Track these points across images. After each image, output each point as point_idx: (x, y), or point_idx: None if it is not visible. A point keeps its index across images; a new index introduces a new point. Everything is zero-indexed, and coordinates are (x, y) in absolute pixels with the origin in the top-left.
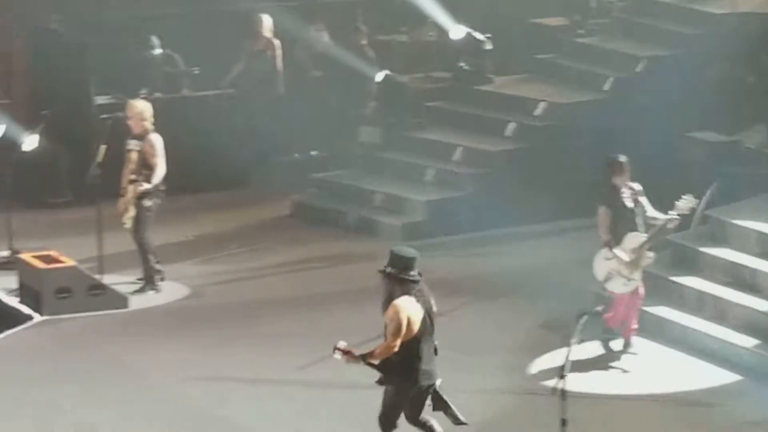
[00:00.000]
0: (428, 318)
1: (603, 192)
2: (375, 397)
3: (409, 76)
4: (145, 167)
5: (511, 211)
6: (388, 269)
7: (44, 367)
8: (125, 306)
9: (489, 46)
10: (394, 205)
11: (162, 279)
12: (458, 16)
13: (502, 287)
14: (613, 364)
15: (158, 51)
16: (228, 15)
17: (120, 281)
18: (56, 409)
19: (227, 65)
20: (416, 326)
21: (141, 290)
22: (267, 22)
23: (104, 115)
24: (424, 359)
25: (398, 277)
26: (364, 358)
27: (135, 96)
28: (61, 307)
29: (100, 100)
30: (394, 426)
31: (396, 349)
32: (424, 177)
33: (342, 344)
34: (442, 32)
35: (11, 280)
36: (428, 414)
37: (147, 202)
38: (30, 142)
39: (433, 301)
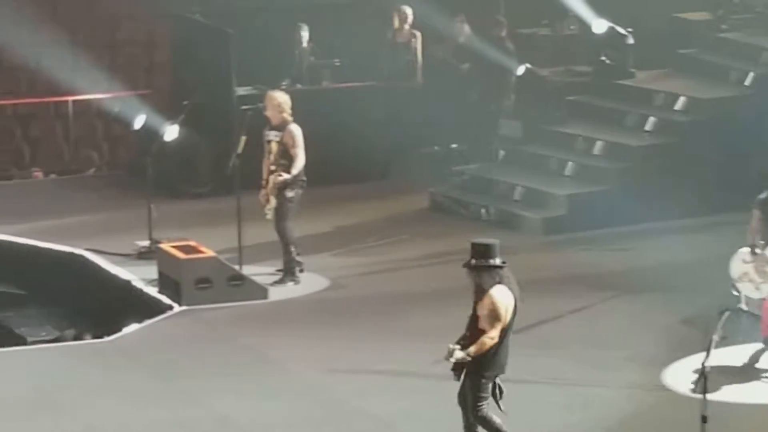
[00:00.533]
0: (515, 306)
1: (760, 197)
2: (512, 392)
3: (550, 70)
4: (285, 158)
5: (653, 205)
6: (473, 261)
7: (183, 357)
8: (265, 297)
9: (631, 40)
10: (535, 199)
11: (302, 270)
12: (600, 9)
13: (644, 282)
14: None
15: (306, 40)
16: (370, 5)
17: (259, 272)
18: (194, 399)
19: (368, 57)
20: (509, 315)
21: (281, 281)
22: (409, 13)
23: (245, 106)
24: (507, 349)
25: (485, 266)
26: (470, 354)
27: (276, 87)
28: (200, 297)
29: (241, 91)
30: (486, 411)
31: (496, 339)
32: (564, 171)
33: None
34: (584, 26)
35: (151, 270)
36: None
37: (289, 193)
38: (171, 132)
39: (517, 288)
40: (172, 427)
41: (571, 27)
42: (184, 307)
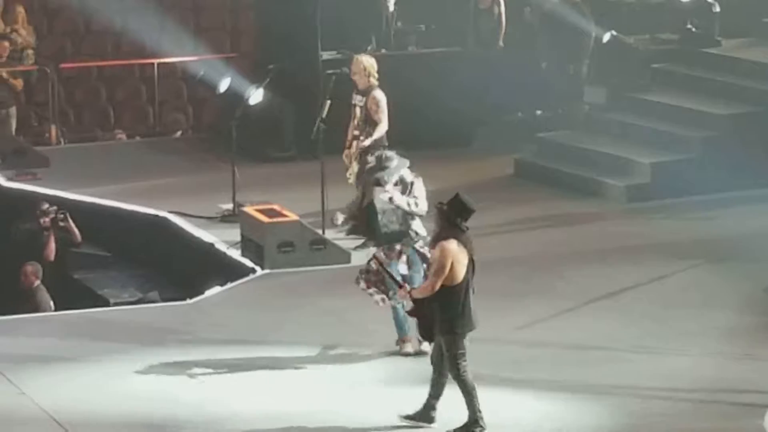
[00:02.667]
0: (472, 266)
1: None
2: (596, 360)
3: (636, 37)
4: (369, 123)
5: (737, 174)
6: (446, 208)
7: (264, 320)
8: (347, 261)
9: (717, 8)
10: (618, 167)
11: None
12: None
13: (727, 251)
14: None
15: (392, 4)
16: None
17: (342, 236)
18: (274, 362)
19: (451, 23)
20: (462, 273)
21: (363, 245)
22: None
23: (330, 71)
24: (471, 305)
25: (453, 221)
26: (410, 293)
27: (361, 52)
28: (282, 260)
29: (326, 55)
30: (467, 373)
31: (436, 288)
32: (648, 138)
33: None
34: None
35: (234, 233)
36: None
37: (370, 158)
38: (256, 96)
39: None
40: (252, 389)
41: None
42: (266, 271)
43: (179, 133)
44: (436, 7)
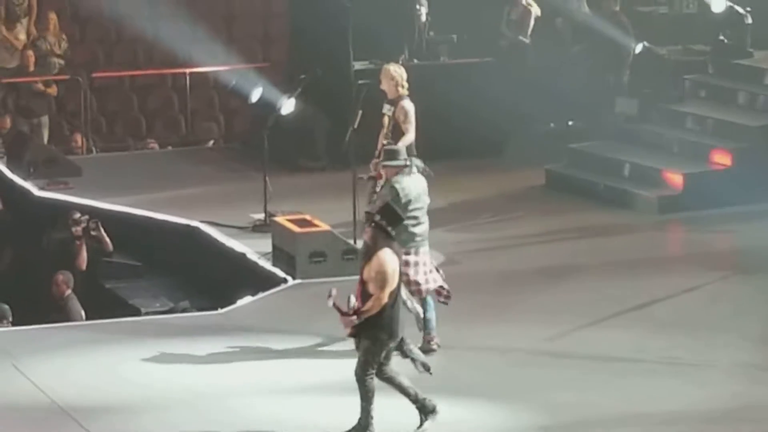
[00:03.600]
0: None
1: None
2: (626, 370)
3: (668, 48)
4: (396, 133)
5: None
6: (379, 218)
7: (296, 330)
8: None
9: (749, 20)
10: (650, 178)
11: None
12: None
13: (758, 262)
14: None
15: (425, 14)
16: None
17: None
18: (307, 371)
19: (484, 33)
20: (396, 280)
21: None
22: None
23: (362, 81)
24: (399, 311)
25: (385, 230)
26: (357, 313)
27: (394, 62)
28: (314, 270)
29: (358, 65)
30: (372, 379)
31: (386, 300)
32: (680, 149)
33: (334, 292)
34: (703, 5)
35: (266, 243)
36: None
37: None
38: (287, 105)
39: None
40: (281, 397)
41: (690, 5)
42: (297, 281)
43: (211, 142)
44: (469, 17)
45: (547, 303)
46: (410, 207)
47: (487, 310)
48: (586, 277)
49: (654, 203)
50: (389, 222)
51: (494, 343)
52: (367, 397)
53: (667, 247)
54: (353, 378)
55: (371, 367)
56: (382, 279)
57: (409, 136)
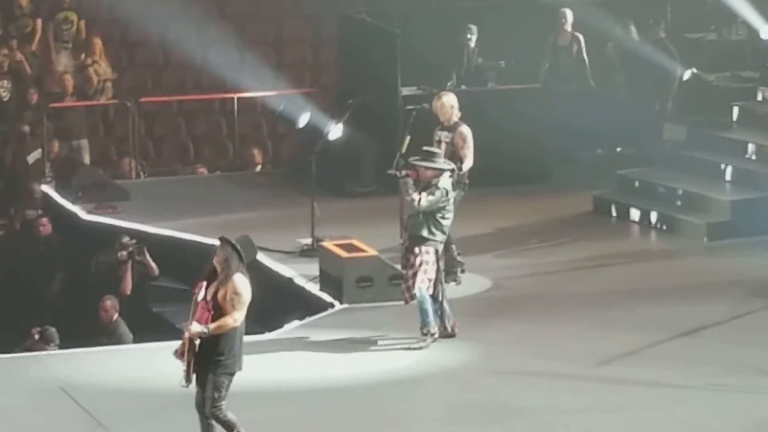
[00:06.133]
0: None
1: None
2: (672, 397)
3: (716, 75)
4: (453, 159)
5: None
6: (235, 245)
7: (343, 354)
8: None
9: None
10: (698, 204)
11: (463, 271)
12: None
13: None
14: None
15: (474, 41)
16: (536, 7)
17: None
18: (354, 397)
19: (531, 59)
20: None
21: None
22: (570, 16)
23: (410, 106)
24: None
25: (241, 257)
26: (208, 330)
27: (441, 88)
28: (361, 295)
29: (406, 91)
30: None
31: (238, 324)
32: (729, 176)
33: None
34: (752, 31)
35: (313, 268)
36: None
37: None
38: (335, 131)
39: None
40: (328, 422)
41: (739, 32)
42: (344, 306)
43: (259, 167)
44: (517, 43)
45: (594, 328)
46: (447, 210)
47: (535, 335)
48: (634, 303)
49: (702, 229)
50: (246, 252)
51: (542, 368)
52: (233, 425)
53: (715, 273)
54: (399, 400)
55: (223, 400)
56: (242, 301)
57: (468, 161)
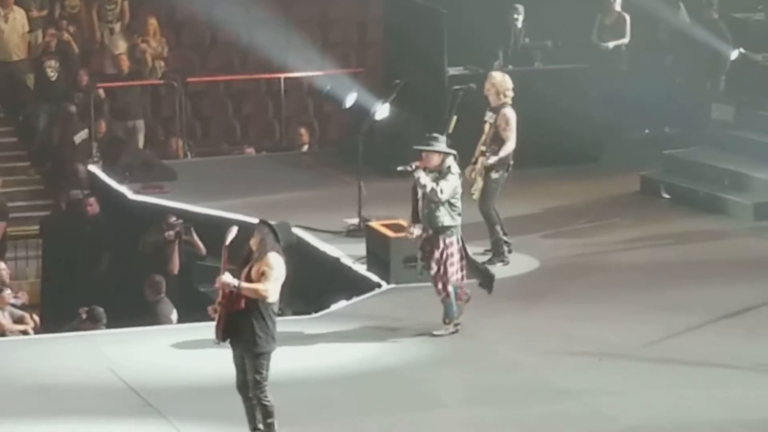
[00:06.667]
0: None
1: None
2: (718, 378)
3: (764, 55)
4: (496, 140)
5: None
6: (272, 225)
7: (390, 334)
8: (471, 276)
9: None
10: (745, 184)
11: (510, 251)
12: None
13: None
14: None
15: (521, 21)
16: None
17: (468, 252)
18: (398, 378)
19: (579, 39)
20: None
21: (489, 262)
22: None
23: (456, 86)
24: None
25: (276, 238)
26: (240, 287)
27: (489, 68)
28: (408, 275)
29: (453, 71)
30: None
31: (268, 295)
32: None
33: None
34: None
35: (360, 248)
36: None
37: (494, 175)
38: (382, 111)
39: None
40: (378, 402)
41: None
42: (391, 286)
43: (305, 147)
44: (564, 23)
45: (641, 309)
46: (459, 193)
47: (582, 315)
48: (680, 283)
49: (749, 209)
50: (284, 238)
51: (590, 347)
52: (272, 413)
53: (762, 253)
54: (446, 380)
55: (265, 381)
56: (278, 274)
57: (510, 144)
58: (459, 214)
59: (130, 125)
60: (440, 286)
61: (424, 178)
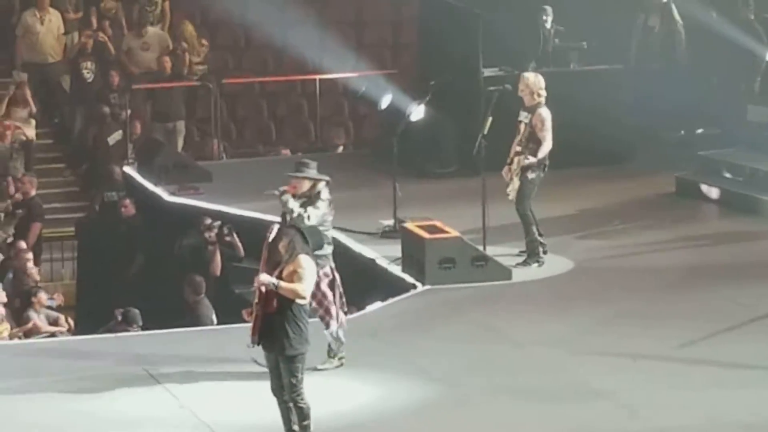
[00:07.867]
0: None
1: None
2: (748, 378)
3: None
4: (532, 141)
5: None
6: (300, 228)
7: (425, 336)
8: (508, 278)
9: None
10: None
11: (545, 252)
12: None
13: None
14: None
15: (549, 22)
16: None
17: (503, 253)
18: (434, 378)
19: (614, 40)
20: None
21: (524, 263)
22: None
23: (491, 87)
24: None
25: (305, 240)
26: (279, 286)
27: (524, 69)
28: (443, 277)
29: (488, 72)
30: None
31: (305, 295)
32: None
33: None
34: None
35: (395, 249)
36: None
37: (530, 175)
38: (417, 112)
39: None
40: (413, 403)
41: None
42: (427, 287)
43: (340, 148)
44: (599, 24)
45: (677, 310)
46: (330, 221)
47: (617, 316)
48: (716, 284)
49: None
50: (313, 241)
51: (625, 349)
52: (308, 414)
53: None
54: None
55: (301, 384)
56: (310, 275)
57: (547, 145)
58: (329, 243)
59: (170, 127)
60: (333, 313)
61: (292, 203)
